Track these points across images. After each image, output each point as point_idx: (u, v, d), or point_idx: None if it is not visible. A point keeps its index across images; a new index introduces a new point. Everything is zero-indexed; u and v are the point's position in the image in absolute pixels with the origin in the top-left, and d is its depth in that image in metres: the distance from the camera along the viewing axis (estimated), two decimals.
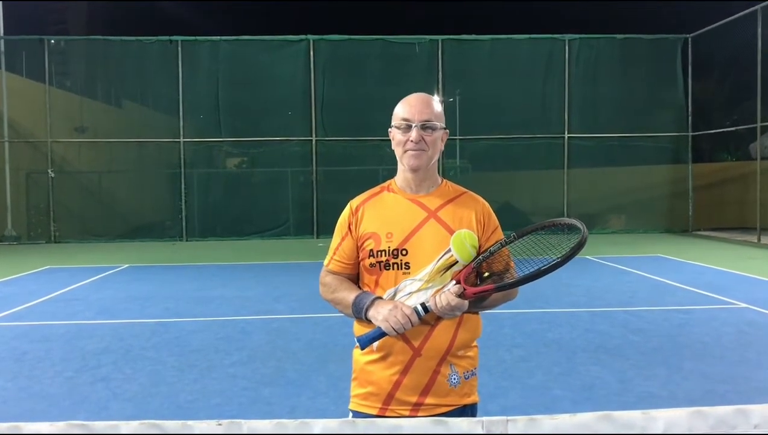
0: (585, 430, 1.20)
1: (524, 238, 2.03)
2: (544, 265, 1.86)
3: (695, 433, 1.20)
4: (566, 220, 1.95)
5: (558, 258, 1.84)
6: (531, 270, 1.91)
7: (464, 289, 1.91)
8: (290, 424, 1.21)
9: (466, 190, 2.17)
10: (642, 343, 5.99)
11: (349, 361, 2.14)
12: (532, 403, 4.47)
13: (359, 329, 2.06)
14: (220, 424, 1.20)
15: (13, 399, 4.69)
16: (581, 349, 5.80)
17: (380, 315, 1.93)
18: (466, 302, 1.92)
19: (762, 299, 7.87)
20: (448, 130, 2.15)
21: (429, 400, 1.99)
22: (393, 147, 2.11)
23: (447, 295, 1.90)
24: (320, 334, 6.45)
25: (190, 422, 1.21)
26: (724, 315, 7.18)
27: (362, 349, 2.01)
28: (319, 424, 1.21)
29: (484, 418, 1.22)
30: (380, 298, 2.01)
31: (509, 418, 1.21)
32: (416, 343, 1.98)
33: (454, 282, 1.96)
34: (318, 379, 5.02)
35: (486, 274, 2.02)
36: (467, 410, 2.04)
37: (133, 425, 1.21)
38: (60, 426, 1.21)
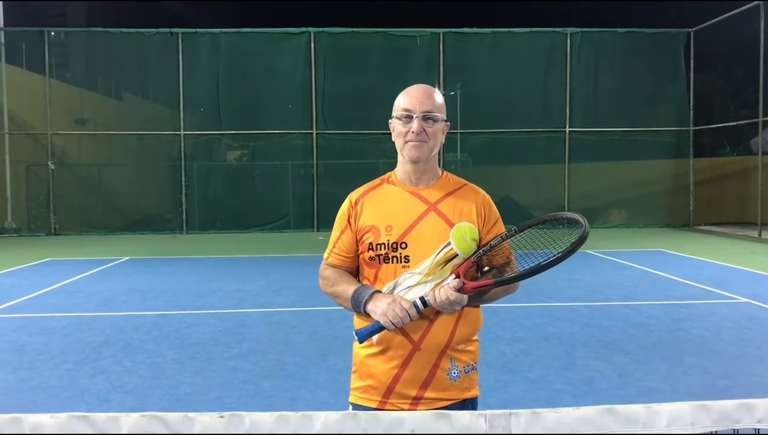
0: (587, 424, 1.19)
1: (525, 231, 2.01)
2: (544, 261, 1.84)
3: (698, 430, 1.19)
4: (568, 214, 1.93)
5: (558, 253, 1.83)
6: (532, 264, 1.88)
7: (463, 284, 1.89)
8: (292, 417, 1.20)
9: (467, 182, 2.15)
10: (642, 338, 6.00)
11: (349, 354, 2.13)
12: (533, 397, 4.48)
13: (359, 323, 2.05)
14: (221, 417, 1.20)
15: (13, 391, 4.69)
16: (581, 343, 5.81)
17: (379, 309, 1.92)
18: (465, 297, 1.90)
19: (762, 294, 7.87)
20: (449, 123, 2.12)
21: (428, 394, 1.98)
22: (393, 138, 2.08)
23: (446, 289, 1.88)
24: (320, 326, 6.45)
25: (191, 414, 1.20)
26: (725, 310, 7.18)
27: (360, 342, 2.00)
28: (320, 417, 1.21)
29: (487, 412, 1.21)
30: (379, 291, 1.99)
31: (512, 411, 1.21)
32: (415, 337, 1.97)
33: (453, 276, 1.94)
34: (318, 372, 5.03)
35: (486, 268, 2.00)
36: (467, 404, 2.03)
37: (134, 417, 1.20)
38: (61, 418, 1.20)
